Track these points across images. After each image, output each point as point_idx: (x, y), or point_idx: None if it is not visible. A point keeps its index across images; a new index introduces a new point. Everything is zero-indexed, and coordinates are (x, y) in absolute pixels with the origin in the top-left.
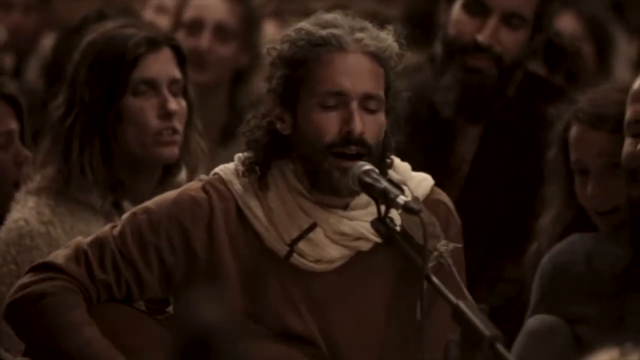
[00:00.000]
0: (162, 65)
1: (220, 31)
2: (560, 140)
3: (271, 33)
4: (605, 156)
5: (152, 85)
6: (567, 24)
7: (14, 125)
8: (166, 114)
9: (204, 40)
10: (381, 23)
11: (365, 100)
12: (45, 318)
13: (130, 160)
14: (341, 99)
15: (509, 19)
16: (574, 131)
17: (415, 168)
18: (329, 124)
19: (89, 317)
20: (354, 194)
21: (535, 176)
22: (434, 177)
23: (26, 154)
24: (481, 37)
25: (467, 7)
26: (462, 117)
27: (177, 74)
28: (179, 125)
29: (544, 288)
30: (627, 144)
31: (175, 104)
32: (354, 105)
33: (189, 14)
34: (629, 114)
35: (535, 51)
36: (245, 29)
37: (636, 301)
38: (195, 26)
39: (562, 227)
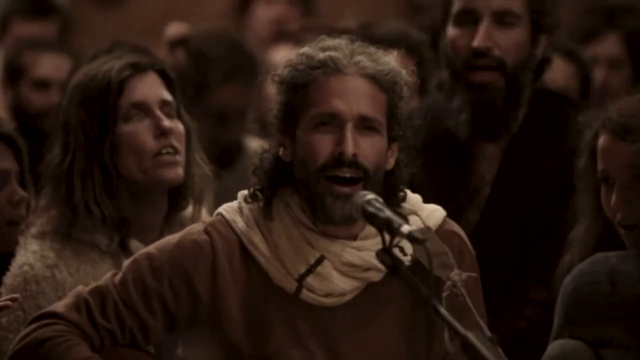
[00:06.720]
0: (149, 88)
1: None
2: (590, 149)
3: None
4: (631, 168)
5: (143, 107)
6: (608, 45)
7: (9, 164)
8: (162, 133)
9: None
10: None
11: (361, 122)
12: None
13: (134, 190)
14: (336, 121)
15: (501, 18)
16: (601, 140)
17: (434, 193)
18: (323, 146)
19: (92, 353)
20: (349, 221)
21: (559, 193)
22: (454, 200)
23: (22, 195)
24: (476, 42)
25: (457, 20)
26: (478, 136)
27: (167, 95)
28: (177, 144)
29: (566, 310)
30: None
31: (170, 122)
32: (349, 126)
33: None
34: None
35: (547, 60)
36: None
37: None
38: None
39: (594, 240)
